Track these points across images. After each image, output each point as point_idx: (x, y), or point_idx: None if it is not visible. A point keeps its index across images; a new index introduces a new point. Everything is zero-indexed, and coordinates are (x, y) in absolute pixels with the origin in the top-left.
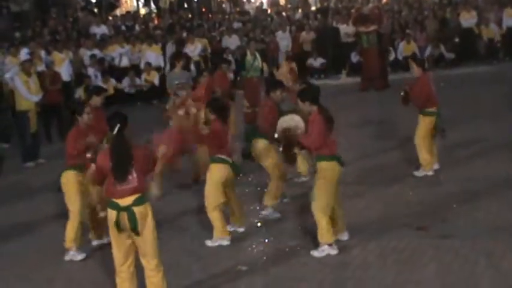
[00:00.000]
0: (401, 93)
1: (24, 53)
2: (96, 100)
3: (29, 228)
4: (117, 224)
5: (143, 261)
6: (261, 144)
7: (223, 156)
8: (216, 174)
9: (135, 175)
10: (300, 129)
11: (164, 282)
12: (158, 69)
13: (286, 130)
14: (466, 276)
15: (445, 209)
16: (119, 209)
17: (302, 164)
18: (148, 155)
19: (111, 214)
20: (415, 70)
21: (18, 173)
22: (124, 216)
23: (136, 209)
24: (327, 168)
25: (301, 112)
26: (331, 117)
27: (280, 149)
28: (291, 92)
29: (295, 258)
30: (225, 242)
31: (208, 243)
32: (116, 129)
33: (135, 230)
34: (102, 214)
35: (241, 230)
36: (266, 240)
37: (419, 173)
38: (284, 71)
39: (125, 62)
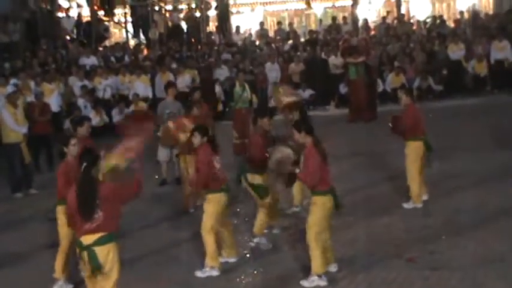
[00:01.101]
0: (390, 124)
1: (10, 86)
2: (81, 130)
3: (19, 258)
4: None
5: None
6: (251, 176)
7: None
8: (214, 206)
9: (101, 214)
10: (291, 159)
11: None
12: (146, 99)
13: (278, 163)
14: None
15: (434, 240)
16: (81, 247)
17: (297, 194)
18: (118, 191)
19: (78, 252)
20: (404, 99)
21: (7, 203)
22: (84, 255)
23: (97, 249)
24: (323, 202)
25: (292, 143)
26: (323, 149)
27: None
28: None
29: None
30: (215, 273)
31: (199, 273)
32: (82, 168)
33: (96, 269)
34: None
35: (232, 260)
36: (255, 271)
37: (408, 205)
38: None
39: (108, 94)
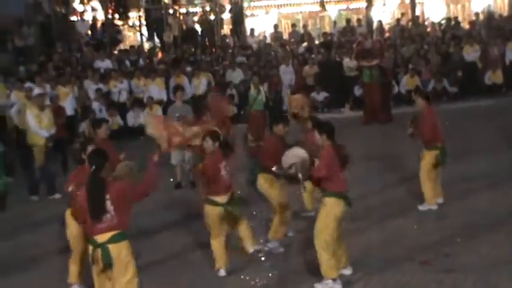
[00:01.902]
0: (409, 130)
1: (37, 89)
2: (100, 132)
3: (33, 261)
4: (93, 260)
5: None
6: (263, 179)
7: (214, 198)
8: (211, 217)
9: (113, 213)
10: (306, 162)
11: None
12: (160, 102)
13: (291, 166)
14: None
15: (449, 243)
16: (95, 245)
17: (308, 199)
18: (129, 191)
19: (90, 250)
20: (420, 103)
21: (23, 206)
22: (98, 252)
23: (111, 246)
24: (332, 205)
25: (306, 145)
26: (346, 155)
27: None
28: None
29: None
30: (222, 273)
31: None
32: (92, 169)
33: (109, 267)
34: None
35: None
36: (270, 274)
37: (423, 207)
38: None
39: (123, 97)
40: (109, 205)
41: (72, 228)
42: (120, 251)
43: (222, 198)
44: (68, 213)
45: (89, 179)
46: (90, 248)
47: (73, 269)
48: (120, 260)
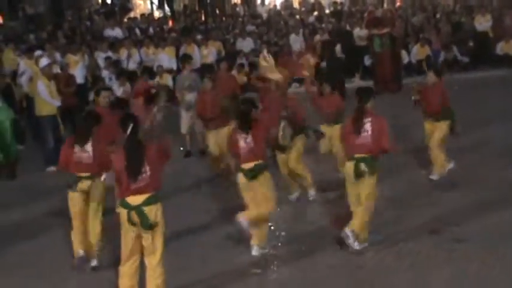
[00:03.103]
0: (416, 97)
1: (45, 60)
2: (100, 101)
3: (44, 230)
4: (130, 222)
5: (146, 261)
6: None
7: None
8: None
9: (149, 173)
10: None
11: (164, 284)
12: (170, 71)
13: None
14: (482, 281)
15: (459, 213)
16: (129, 208)
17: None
18: (161, 153)
19: (123, 213)
20: (431, 77)
21: (33, 175)
22: (134, 215)
23: (146, 208)
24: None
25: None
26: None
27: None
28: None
29: (310, 261)
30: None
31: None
32: (130, 129)
33: (146, 228)
34: None
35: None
36: (279, 244)
37: (434, 177)
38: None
39: (132, 66)
40: (145, 166)
41: (74, 204)
42: (154, 213)
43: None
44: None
45: (128, 139)
46: (123, 211)
47: (76, 241)
48: (155, 220)
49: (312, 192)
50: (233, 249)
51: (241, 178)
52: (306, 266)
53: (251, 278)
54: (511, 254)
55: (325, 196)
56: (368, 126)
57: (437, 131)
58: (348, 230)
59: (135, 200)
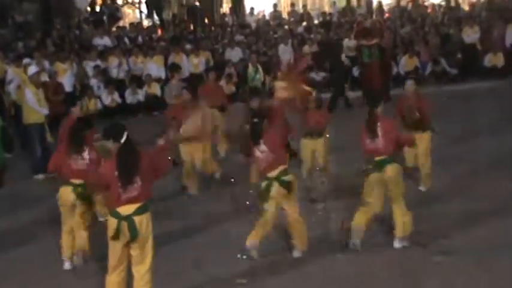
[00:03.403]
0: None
1: (33, 67)
2: (74, 110)
3: (32, 238)
4: (117, 233)
5: (134, 271)
6: None
7: None
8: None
9: (140, 183)
10: None
11: None
12: (159, 80)
13: None
14: None
15: (447, 225)
16: (119, 218)
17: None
18: (154, 162)
19: (112, 223)
20: (411, 86)
21: (21, 182)
22: (124, 225)
23: (136, 219)
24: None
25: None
26: None
27: None
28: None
29: (300, 269)
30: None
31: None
32: (125, 137)
33: (134, 239)
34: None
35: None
36: (270, 253)
37: (423, 188)
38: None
39: (121, 75)
40: (136, 174)
41: (64, 201)
42: (144, 223)
43: None
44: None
45: (122, 147)
46: (113, 221)
47: (66, 244)
48: (142, 231)
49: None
50: (227, 254)
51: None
52: (296, 274)
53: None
54: (498, 266)
55: (312, 207)
56: (378, 130)
57: (422, 142)
58: (397, 240)
59: (125, 209)
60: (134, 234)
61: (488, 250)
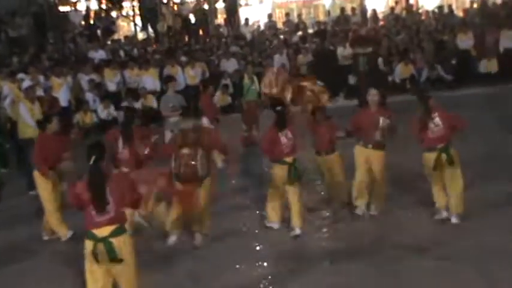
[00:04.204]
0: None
1: (27, 82)
2: (50, 127)
3: (29, 253)
4: (95, 255)
5: None
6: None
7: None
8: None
9: (113, 206)
10: None
11: None
12: (154, 93)
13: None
14: None
15: (444, 230)
16: (96, 239)
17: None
18: (129, 184)
19: (88, 245)
20: (373, 96)
21: (18, 198)
22: (101, 246)
23: (115, 240)
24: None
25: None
26: None
27: None
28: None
29: (293, 278)
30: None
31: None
32: (92, 160)
33: (114, 260)
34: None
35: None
36: (265, 264)
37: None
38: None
39: (112, 88)
40: (108, 196)
41: (42, 190)
42: (122, 245)
43: None
44: (36, 174)
45: (90, 171)
46: (90, 243)
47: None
48: (121, 252)
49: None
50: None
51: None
52: (287, 285)
53: None
54: (496, 272)
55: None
56: (437, 120)
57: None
58: (453, 216)
59: (101, 231)
60: (113, 256)
61: (485, 255)
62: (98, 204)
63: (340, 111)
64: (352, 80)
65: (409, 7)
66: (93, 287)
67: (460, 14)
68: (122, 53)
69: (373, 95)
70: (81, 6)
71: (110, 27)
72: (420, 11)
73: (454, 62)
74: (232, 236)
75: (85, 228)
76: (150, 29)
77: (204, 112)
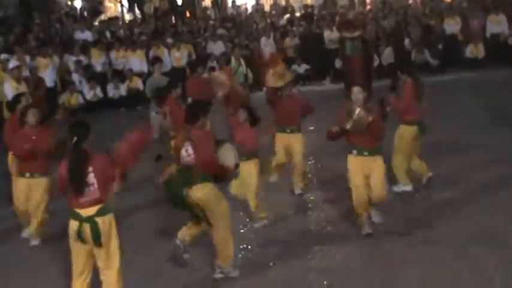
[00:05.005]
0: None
1: (12, 62)
2: (29, 119)
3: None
4: (79, 235)
5: (102, 276)
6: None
7: None
8: None
9: (96, 186)
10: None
11: None
12: (140, 75)
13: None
14: (451, 284)
15: (429, 216)
16: (81, 219)
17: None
18: (109, 164)
19: (73, 224)
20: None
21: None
22: (86, 227)
23: (99, 220)
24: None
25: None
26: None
27: None
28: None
29: (281, 262)
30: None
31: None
32: (73, 141)
33: (97, 241)
34: None
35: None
36: (250, 247)
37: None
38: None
39: (98, 68)
40: (92, 178)
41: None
42: (107, 224)
43: None
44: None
45: (70, 153)
46: (74, 223)
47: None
48: (106, 233)
49: None
50: (208, 248)
51: None
52: (278, 267)
53: (223, 279)
54: (481, 256)
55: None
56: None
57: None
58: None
59: (86, 211)
60: (98, 236)
61: (471, 240)
62: (77, 186)
63: (327, 94)
64: (338, 63)
65: None
66: (75, 266)
67: None
68: (107, 34)
69: (357, 92)
70: None
71: (97, 7)
72: None
73: (440, 46)
74: None
75: (68, 206)
76: (136, 10)
77: (189, 94)
